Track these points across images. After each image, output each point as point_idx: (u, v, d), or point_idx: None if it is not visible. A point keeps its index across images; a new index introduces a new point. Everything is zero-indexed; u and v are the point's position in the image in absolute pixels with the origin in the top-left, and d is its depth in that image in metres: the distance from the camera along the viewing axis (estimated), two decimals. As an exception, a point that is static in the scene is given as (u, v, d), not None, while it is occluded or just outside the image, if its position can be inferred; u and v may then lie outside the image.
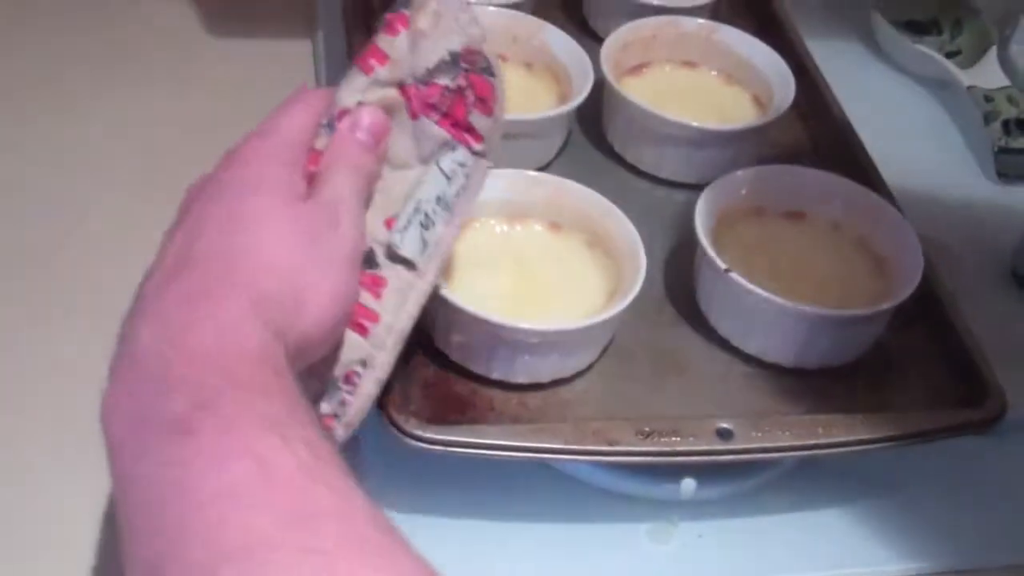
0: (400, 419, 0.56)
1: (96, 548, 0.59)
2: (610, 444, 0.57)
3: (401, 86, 0.52)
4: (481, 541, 0.61)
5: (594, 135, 0.78)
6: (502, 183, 0.65)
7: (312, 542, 0.36)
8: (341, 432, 0.51)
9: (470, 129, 0.53)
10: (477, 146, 0.53)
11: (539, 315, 0.61)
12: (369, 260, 0.51)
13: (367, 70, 0.52)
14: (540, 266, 0.64)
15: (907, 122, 0.93)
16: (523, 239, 0.66)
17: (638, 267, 0.61)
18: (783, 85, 0.76)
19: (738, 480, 0.63)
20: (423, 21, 0.52)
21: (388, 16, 0.53)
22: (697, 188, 0.68)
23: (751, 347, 0.64)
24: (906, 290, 0.63)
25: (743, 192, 0.69)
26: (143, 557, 0.37)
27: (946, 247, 0.75)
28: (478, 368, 0.60)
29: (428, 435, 0.56)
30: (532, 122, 0.71)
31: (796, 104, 0.75)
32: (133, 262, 0.70)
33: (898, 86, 0.97)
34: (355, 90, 0.52)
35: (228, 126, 0.81)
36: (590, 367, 0.63)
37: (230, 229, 0.46)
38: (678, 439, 0.58)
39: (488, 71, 0.53)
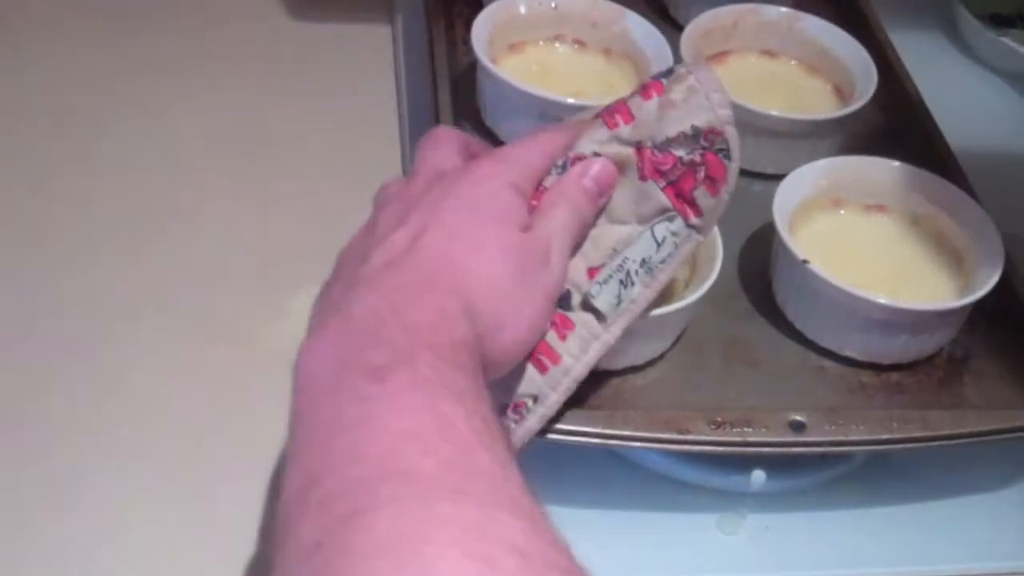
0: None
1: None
2: (681, 433, 0.58)
3: (638, 147, 0.54)
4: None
5: (671, 124, 0.77)
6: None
7: (467, 487, 0.38)
8: None
9: (692, 203, 0.54)
10: (695, 220, 0.54)
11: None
12: (564, 302, 0.53)
13: (611, 125, 0.54)
14: (614, 253, 0.64)
15: (989, 116, 0.91)
16: (598, 225, 0.66)
17: (714, 257, 0.61)
18: (865, 76, 0.75)
19: (808, 473, 0.63)
20: (677, 93, 0.54)
21: (645, 82, 0.55)
22: (775, 178, 0.67)
23: (826, 340, 0.64)
24: (985, 286, 0.62)
25: (822, 183, 0.68)
26: (304, 470, 0.40)
27: (1027, 243, 0.74)
28: (551, 354, 0.61)
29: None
30: (609, 109, 0.71)
31: (877, 96, 0.75)
32: (225, 254, 0.73)
33: (980, 79, 0.95)
34: (595, 141, 0.54)
35: (309, 109, 0.83)
36: (663, 356, 0.63)
37: (457, 237, 0.49)
38: (750, 430, 0.58)
39: (726, 154, 0.54)
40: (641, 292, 0.54)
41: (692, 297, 0.59)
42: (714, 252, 0.61)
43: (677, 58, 0.74)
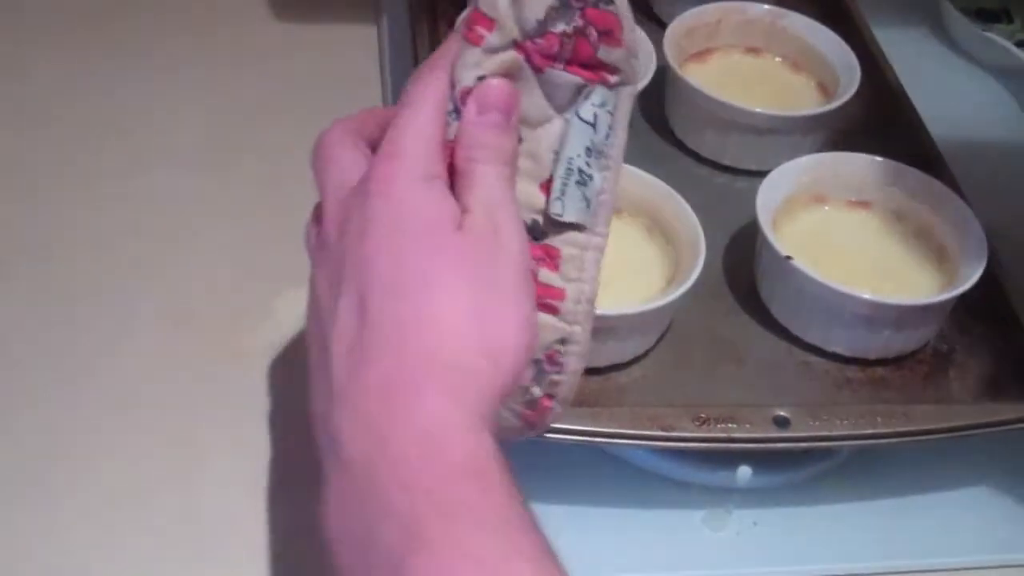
0: (458, 401, 0.56)
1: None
2: (666, 430, 0.58)
3: (517, 45, 0.49)
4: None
5: (657, 121, 0.78)
6: (563, 168, 0.66)
7: None
8: (560, 409, 0.51)
9: (601, 66, 0.49)
10: (614, 79, 0.50)
11: (599, 300, 0.61)
12: (535, 231, 0.49)
13: (476, 40, 0.48)
14: (599, 251, 0.65)
15: (975, 111, 0.92)
16: (583, 224, 0.66)
17: (697, 254, 0.61)
18: (848, 72, 0.76)
19: (794, 469, 0.63)
20: None
21: None
22: (759, 175, 0.68)
23: (810, 336, 0.64)
24: (969, 280, 0.63)
25: (804, 180, 0.68)
26: None
27: (1011, 238, 0.74)
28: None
29: (487, 418, 0.56)
30: (593, 107, 0.71)
31: (861, 92, 0.75)
32: (201, 246, 0.73)
33: (966, 74, 0.96)
34: (470, 65, 0.48)
35: (294, 110, 0.84)
36: (647, 353, 0.63)
37: (400, 292, 0.44)
38: (734, 426, 0.58)
39: (604, 1, 0.49)
40: (603, 179, 0.50)
41: (675, 294, 0.60)
42: (697, 249, 0.62)
43: (660, 56, 0.74)
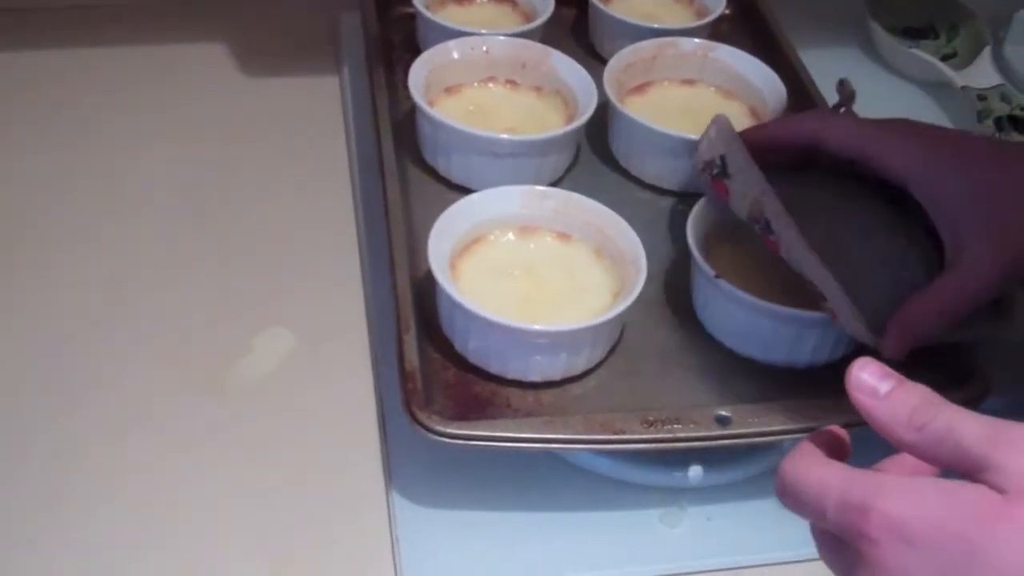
0: (422, 416, 0.61)
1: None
2: (616, 433, 0.62)
3: None
4: (503, 531, 0.65)
5: (601, 151, 0.83)
6: (516, 199, 0.71)
7: None
8: None
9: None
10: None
11: (550, 318, 0.66)
12: None
13: None
14: (551, 273, 0.69)
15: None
16: (535, 249, 0.71)
17: (639, 271, 0.66)
18: (776, 97, 0.81)
19: (742, 465, 0.67)
20: None
21: None
22: (699, 197, 0.72)
23: (743, 348, 0.68)
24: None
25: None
26: None
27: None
28: (495, 369, 0.65)
29: (448, 430, 0.61)
30: (541, 142, 0.76)
31: (788, 113, 0.80)
32: (191, 300, 0.76)
33: (896, 89, 1.01)
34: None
35: (262, 159, 0.88)
36: (600, 364, 0.67)
37: None
38: (680, 426, 0.63)
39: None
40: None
41: (617, 310, 0.64)
42: (639, 266, 0.67)
43: (601, 92, 0.79)
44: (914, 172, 0.64)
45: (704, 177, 0.69)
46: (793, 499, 0.45)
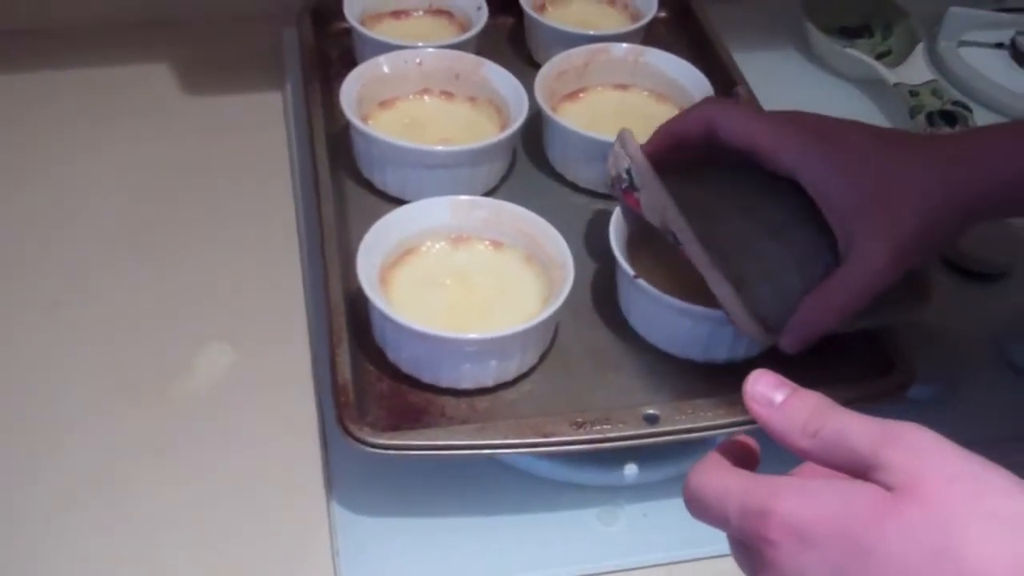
0: (355, 428, 0.62)
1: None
2: (546, 436, 0.63)
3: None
4: (445, 537, 0.66)
5: (537, 158, 0.84)
6: (446, 209, 0.72)
7: None
8: None
9: None
10: None
11: (482, 325, 0.67)
12: None
13: None
14: (482, 281, 0.71)
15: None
16: (467, 258, 0.72)
17: (566, 276, 0.67)
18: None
19: (676, 462, 0.68)
20: None
21: None
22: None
23: (667, 346, 0.70)
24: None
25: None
26: None
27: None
28: (428, 378, 0.67)
29: (380, 441, 0.62)
30: (473, 152, 0.77)
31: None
32: (131, 316, 0.77)
33: (831, 87, 1.02)
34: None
35: (205, 175, 0.89)
36: (533, 369, 0.69)
37: None
38: (609, 427, 0.64)
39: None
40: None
41: (543, 315, 0.65)
42: (566, 271, 0.68)
43: (533, 100, 0.80)
44: (801, 167, 0.65)
45: (616, 191, 0.71)
46: (697, 507, 0.46)
